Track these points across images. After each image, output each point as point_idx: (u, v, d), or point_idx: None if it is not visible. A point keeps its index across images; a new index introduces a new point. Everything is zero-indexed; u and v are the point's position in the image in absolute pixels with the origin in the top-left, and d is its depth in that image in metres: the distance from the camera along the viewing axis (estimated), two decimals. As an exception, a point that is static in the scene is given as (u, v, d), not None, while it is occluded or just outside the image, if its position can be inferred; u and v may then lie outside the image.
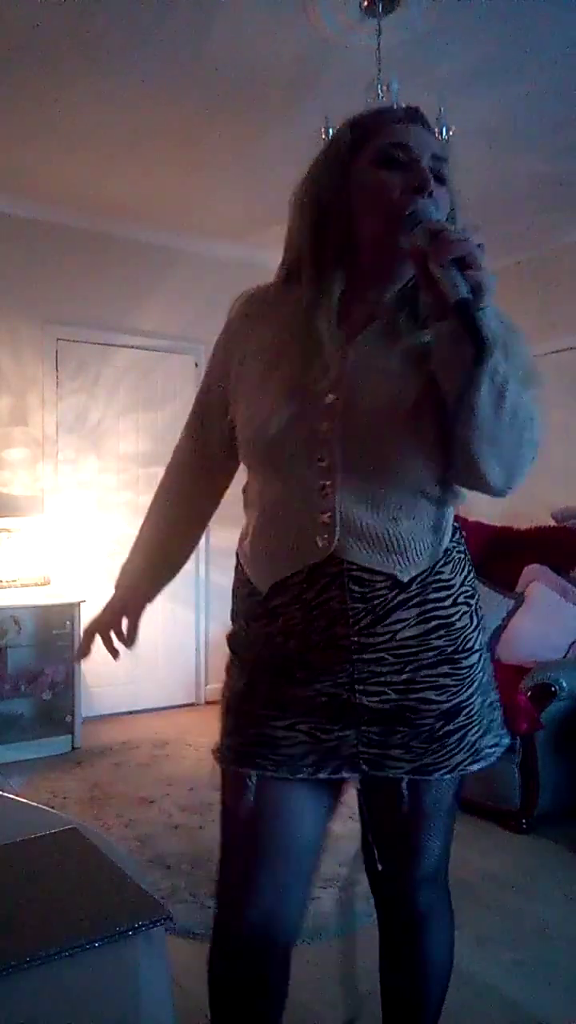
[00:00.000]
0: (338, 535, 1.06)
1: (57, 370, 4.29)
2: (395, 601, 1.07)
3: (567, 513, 3.87)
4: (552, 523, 3.93)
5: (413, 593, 1.08)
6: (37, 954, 0.74)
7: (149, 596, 1.32)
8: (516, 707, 2.81)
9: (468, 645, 1.12)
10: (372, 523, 1.06)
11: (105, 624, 1.30)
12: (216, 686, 5.31)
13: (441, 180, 1.07)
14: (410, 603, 1.07)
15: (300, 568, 1.08)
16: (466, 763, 1.12)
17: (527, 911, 2.27)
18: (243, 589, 1.18)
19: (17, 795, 1.29)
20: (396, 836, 1.20)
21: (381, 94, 2.52)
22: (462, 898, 2.34)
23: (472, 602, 1.15)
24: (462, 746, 1.12)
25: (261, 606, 1.14)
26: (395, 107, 1.13)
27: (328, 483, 1.06)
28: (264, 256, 4.45)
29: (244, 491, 1.23)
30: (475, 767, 1.13)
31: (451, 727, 1.11)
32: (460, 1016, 1.78)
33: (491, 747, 1.16)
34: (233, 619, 1.22)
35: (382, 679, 1.08)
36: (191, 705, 4.57)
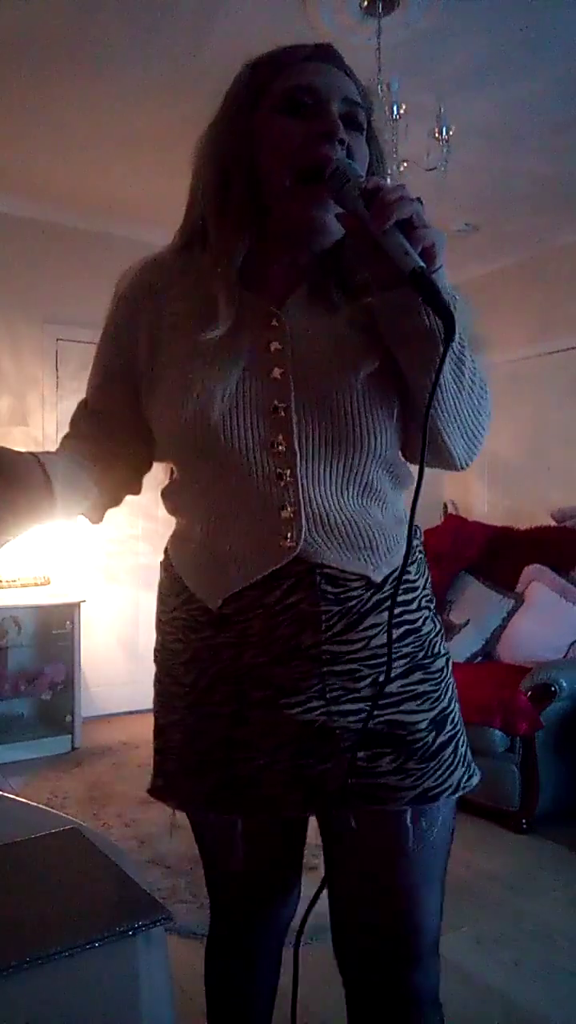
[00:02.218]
0: (304, 532, 0.92)
1: (57, 370, 4.29)
2: (371, 603, 0.94)
3: (567, 513, 3.87)
4: (552, 523, 3.93)
5: (387, 594, 0.95)
6: (37, 954, 0.74)
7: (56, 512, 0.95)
8: (516, 707, 2.81)
9: (435, 650, 1.00)
10: (340, 516, 0.94)
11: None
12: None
13: (356, 127, 0.94)
14: (384, 605, 0.95)
15: (261, 576, 0.93)
16: (465, 778, 0.98)
17: (527, 911, 2.27)
18: (177, 598, 1.02)
19: (17, 795, 1.28)
20: (383, 890, 0.98)
21: (381, 94, 2.52)
22: (462, 898, 2.35)
23: (432, 606, 1.03)
24: (458, 759, 0.97)
25: (206, 614, 0.97)
26: (303, 44, 0.96)
27: (287, 471, 0.92)
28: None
29: (164, 495, 1.07)
30: (475, 780, 0.99)
31: (444, 738, 0.96)
32: (460, 1016, 1.78)
33: (473, 760, 1.01)
34: (160, 629, 1.06)
35: (357, 694, 0.94)
36: (191, 705, 4.57)
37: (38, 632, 4.01)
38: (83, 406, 1.09)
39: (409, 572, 0.98)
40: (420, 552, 1.03)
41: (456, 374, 0.89)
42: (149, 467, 1.09)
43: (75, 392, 4.29)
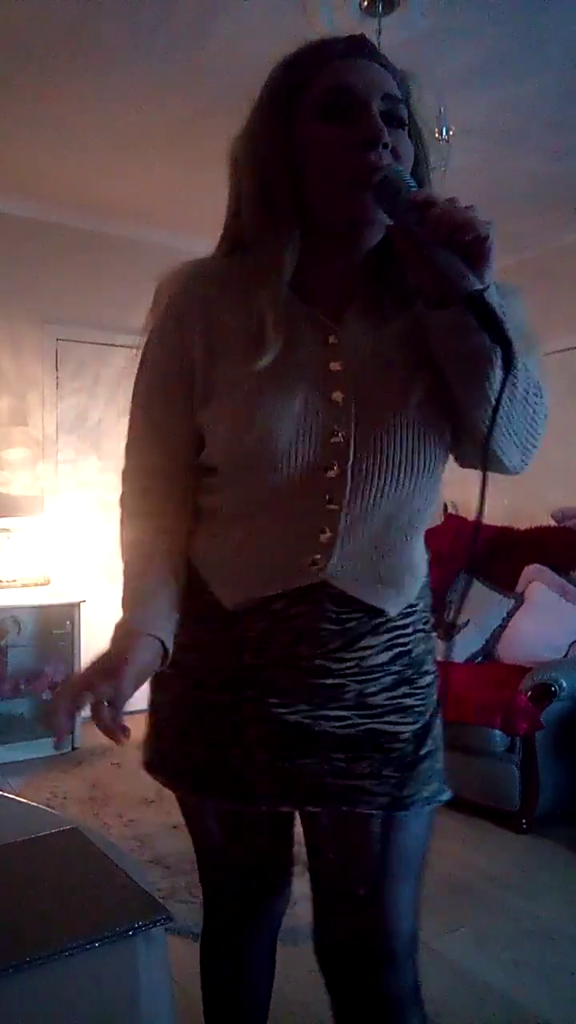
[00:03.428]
0: (334, 558, 0.92)
1: (57, 370, 4.29)
2: (369, 626, 0.96)
3: (567, 513, 3.87)
4: (552, 523, 3.93)
5: (383, 619, 0.97)
6: (37, 954, 0.74)
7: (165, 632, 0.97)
8: (516, 707, 2.81)
9: (423, 669, 1.01)
10: (373, 551, 0.94)
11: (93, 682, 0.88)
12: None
13: (398, 123, 0.89)
14: (382, 628, 0.97)
15: (282, 591, 0.94)
16: (438, 793, 0.99)
17: (527, 911, 2.27)
18: (189, 587, 1.01)
19: (17, 795, 1.28)
20: (358, 891, 0.98)
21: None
22: (462, 898, 2.35)
23: (427, 628, 1.03)
24: (434, 773, 0.99)
25: (217, 608, 0.98)
26: (335, 39, 0.93)
27: (335, 497, 0.91)
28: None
29: (206, 493, 1.01)
30: (445, 796, 1.00)
31: (424, 751, 0.98)
32: (460, 1016, 1.78)
33: (445, 780, 1.02)
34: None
35: (342, 703, 0.96)
36: (191, 705, 4.56)
37: (38, 632, 4.00)
38: (134, 457, 1.05)
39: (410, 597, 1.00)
40: (426, 577, 1.03)
41: (510, 389, 0.85)
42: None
43: (75, 392, 4.33)
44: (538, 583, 3.62)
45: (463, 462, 0.98)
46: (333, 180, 0.88)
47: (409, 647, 0.99)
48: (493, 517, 4.43)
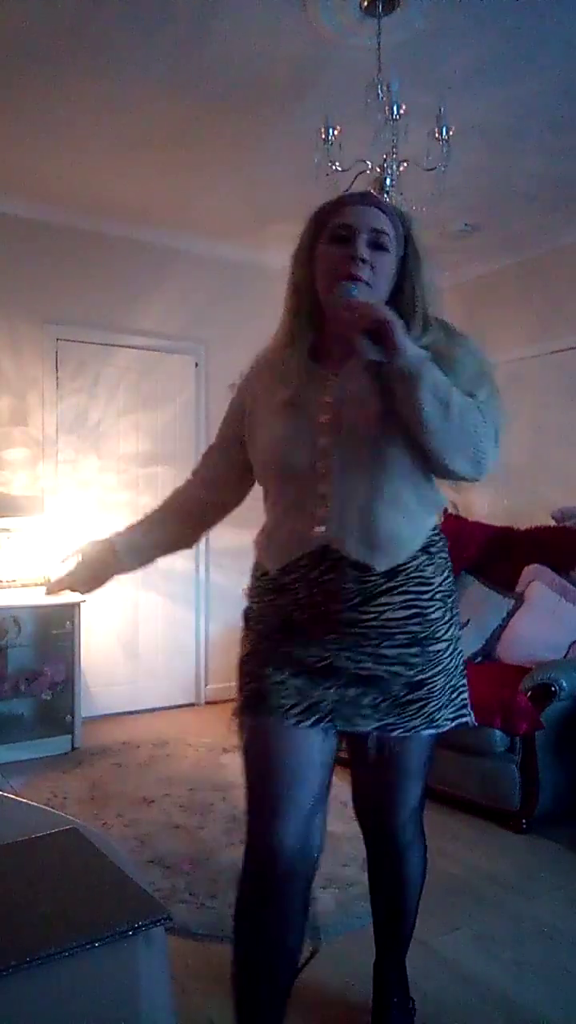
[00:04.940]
0: (329, 528, 1.33)
1: (57, 370, 4.29)
2: (383, 587, 1.33)
3: (567, 513, 3.87)
4: (552, 523, 3.93)
5: (398, 583, 1.33)
6: (37, 954, 0.74)
7: (124, 568, 1.55)
8: (516, 707, 2.81)
9: (437, 634, 1.37)
10: (357, 520, 1.32)
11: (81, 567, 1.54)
12: (216, 686, 5.19)
13: (381, 248, 1.34)
14: (395, 591, 1.33)
15: (301, 554, 1.35)
16: (421, 727, 1.37)
17: (527, 911, 2.27)
18: (256, 571, 1.46)
19: (17, 795, 1.29)
20: (377, 785, 1.52)
21: (381, 94, 2.52)
22: (462, 898, 2.35)
23: (448, 600, 1.40)
24: (420, 714, 1.37)
25: (272, 583, 1.40)
26: (354, 193, 1.43)
27: (325, 486, 1.33)
28: (263, 256, 4.46)
29: (264, 501, 1.49)
30: (429, 731, 1.39)
31: (413, 697, 1.36)
32: (460, 1016, 1.78)
33: (448, 719, 1.41)
34: (247, 597, 1.48)
35: (363, 650, 1.33)
36: (191, 705, 4.57)
37: (38, 632, 4.01)
38: (210, 451, 1.61)
39: (425, 571, 1.36)
40: (441, 558, 1.41)
41: (440, 414, 1.25)
42: (216, 520, 1.61)
43: (75, 392, 4.33)
44: (538, 583, 3.61)
45: (436, 474, 1.37)
46: (326, 280, 1.35)
47: (427, 612, 1.35)
48: (493, 517, 4.45)
